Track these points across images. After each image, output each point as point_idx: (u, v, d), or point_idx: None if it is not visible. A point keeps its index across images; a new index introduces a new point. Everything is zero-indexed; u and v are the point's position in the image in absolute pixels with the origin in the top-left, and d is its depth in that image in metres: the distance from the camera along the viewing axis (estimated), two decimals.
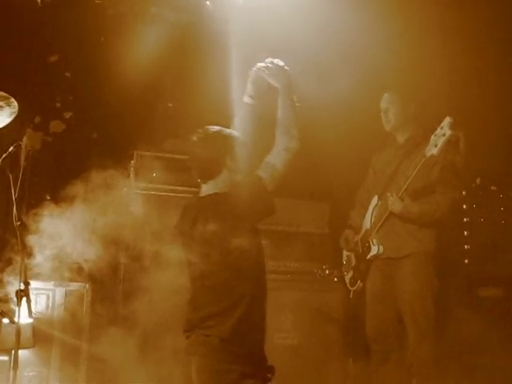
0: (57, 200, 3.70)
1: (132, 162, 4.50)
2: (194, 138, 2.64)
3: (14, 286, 3.12)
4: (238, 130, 2.79)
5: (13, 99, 2.87)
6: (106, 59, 4.67)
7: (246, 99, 2.91)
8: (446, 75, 4.50)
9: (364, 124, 4.34)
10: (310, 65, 4.37)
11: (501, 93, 4.58)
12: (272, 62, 2.79)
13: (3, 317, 2.92)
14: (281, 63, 2.78)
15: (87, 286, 4.01)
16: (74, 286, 3.99)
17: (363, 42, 4.45)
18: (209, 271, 2.50)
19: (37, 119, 4.67)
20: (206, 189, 2.65)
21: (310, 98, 4.39)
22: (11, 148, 2.87)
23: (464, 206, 4.72)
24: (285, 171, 2.58)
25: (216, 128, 2.66)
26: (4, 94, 2.86)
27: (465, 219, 4.70)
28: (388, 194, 3.65)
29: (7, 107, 2.87)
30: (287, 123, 2.61)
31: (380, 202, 3.85)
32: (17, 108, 2.87)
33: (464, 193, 4.73)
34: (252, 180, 2.53)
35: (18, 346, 2.73)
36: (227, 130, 2.67)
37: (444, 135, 3.35)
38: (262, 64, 2.82)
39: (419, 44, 4.48)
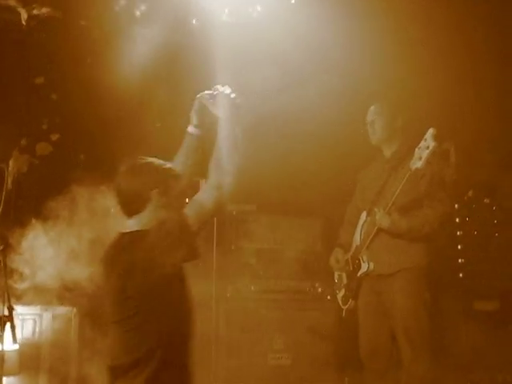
0: (43, 223, 3.68)
1: None
2: (122, 169, 2.42)
3: None
4: (179, 162, 2.63)
5: None
6: (92, 80, 4.68)
7: (190, 129, 2.72)
8: (437, 87, 4.51)
9: (353, 137, 4.34)
10: (295, 79, 4.38)
11: (494, 105, 4.60)
12: (217, 90, 2.59)
13: None
14: (227, 91, 2.56)
15: (75, 309, 3.95)
16: (61, 310, 3.93)
17: (352, 54, 4.46)
18: (123, 315, 2.29)
19: (23, 142, 4.66)
20: (130, 224, 2.39)
21: (297, 112, 4.42)
22: None
23: (457, 220, 4.71)
24: (215, 210, 2.35)
25: (147, 159, 2.43)
26: None
27: (458, 233, 4.69)
28: (375, 210, 3.64)
29: None
30: (223, 157, 2.36)
31: (369, 218, 3.83)
32: None
33: (456, 206, 4.73)
34: (175, 219, 2.28)
35: (2, 373, 2.71)
36: (159, 162, 2.44)
37: (428, 147, 3.35)
38: (207, 92, 2.64)
39: (410, 56, 4.51)
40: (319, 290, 4.53)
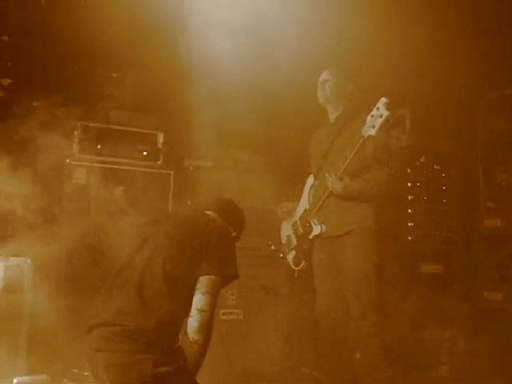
0: None
1: (75, 132, 4.49)
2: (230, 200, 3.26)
3: None
4: None
5: None
6: (48, 23, 4.57)
7: None
8: (398, 56, 4.60)
9: (307, 101, 4.42)
10: (250, 45, 4.40)
11: (450, 78, 4.74)
12: None
13: None
14: None
15: (29, 261, 3.75)
16: (15, 260, 3.70)
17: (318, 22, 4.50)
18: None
19: None
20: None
21: (254, 73, 4.46)
22: None
23: (409, 184, 4.92)
24: None
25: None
26: None
27: (409, 197, 4.90)
28: (326, 175, 3.80)
29: None
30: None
31: (317, 182, 4.01)
32: None
33: (409, 171, 4.94)
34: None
35: None
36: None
37: (381, 116, 3.44)
38: None
39: (366, 19, 4.56)
40: (273, 247, 4.66)
